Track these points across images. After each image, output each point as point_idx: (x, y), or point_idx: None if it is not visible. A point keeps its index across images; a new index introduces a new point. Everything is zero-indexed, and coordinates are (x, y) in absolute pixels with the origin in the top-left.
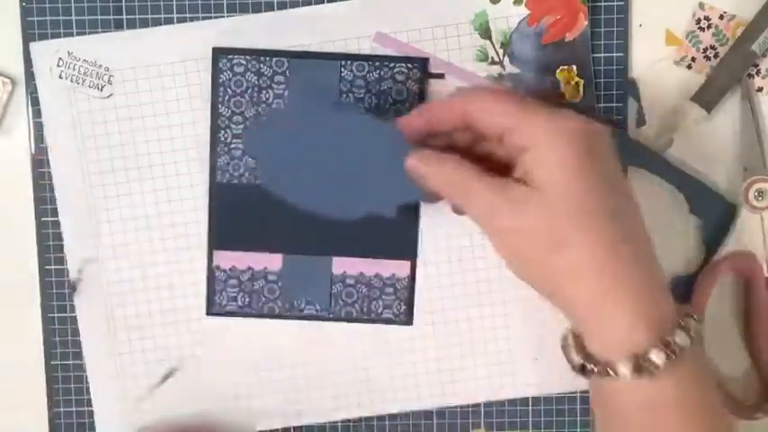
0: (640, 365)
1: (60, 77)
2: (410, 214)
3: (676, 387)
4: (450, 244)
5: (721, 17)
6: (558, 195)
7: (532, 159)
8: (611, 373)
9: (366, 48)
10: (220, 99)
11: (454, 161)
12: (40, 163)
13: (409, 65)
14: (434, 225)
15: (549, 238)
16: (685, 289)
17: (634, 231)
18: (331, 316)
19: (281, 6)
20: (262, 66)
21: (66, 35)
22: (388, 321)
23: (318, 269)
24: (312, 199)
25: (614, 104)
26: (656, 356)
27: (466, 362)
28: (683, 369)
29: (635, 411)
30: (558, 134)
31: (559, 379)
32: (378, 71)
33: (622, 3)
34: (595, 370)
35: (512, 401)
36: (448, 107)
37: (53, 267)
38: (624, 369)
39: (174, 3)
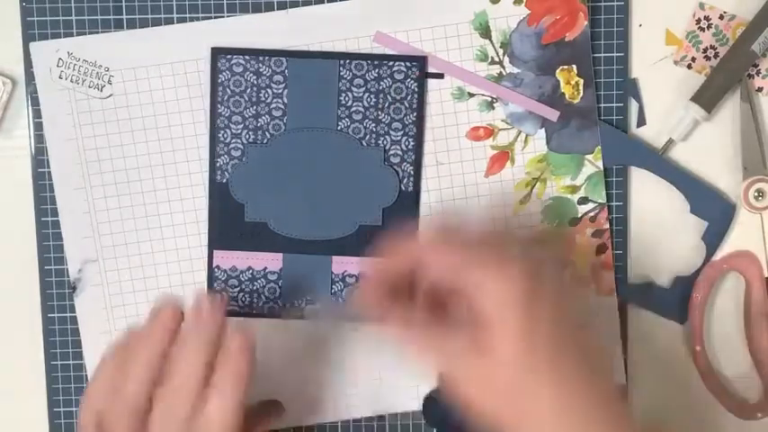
0: None
1: (60, 77)
2: (410, 214)
3: None
4: None
5: (721, 17)
6: (503, 353)
7: (479, 318)
8: None
9: (366, 47)
10: (220, 99)
11: (412, 327)
12: (40, 163)
13: (408, 64)
14: (434, 224)
15: (499, 388)
16: (685, 289)
17: (581, 364)
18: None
19: (281, 6)
20: (261, 65)
21: (66, 35)
22: None
23: (318, 268)
24: (304, 228)
25: (614, 104)
26: None
27: None
28: None
29: None
30: (497, 291)
31: None
32: (377, 70)
33: (622, 3)
34: None
35: None
36: (397, 263)
37: (53, 267)
38: None
39: (174, 3)
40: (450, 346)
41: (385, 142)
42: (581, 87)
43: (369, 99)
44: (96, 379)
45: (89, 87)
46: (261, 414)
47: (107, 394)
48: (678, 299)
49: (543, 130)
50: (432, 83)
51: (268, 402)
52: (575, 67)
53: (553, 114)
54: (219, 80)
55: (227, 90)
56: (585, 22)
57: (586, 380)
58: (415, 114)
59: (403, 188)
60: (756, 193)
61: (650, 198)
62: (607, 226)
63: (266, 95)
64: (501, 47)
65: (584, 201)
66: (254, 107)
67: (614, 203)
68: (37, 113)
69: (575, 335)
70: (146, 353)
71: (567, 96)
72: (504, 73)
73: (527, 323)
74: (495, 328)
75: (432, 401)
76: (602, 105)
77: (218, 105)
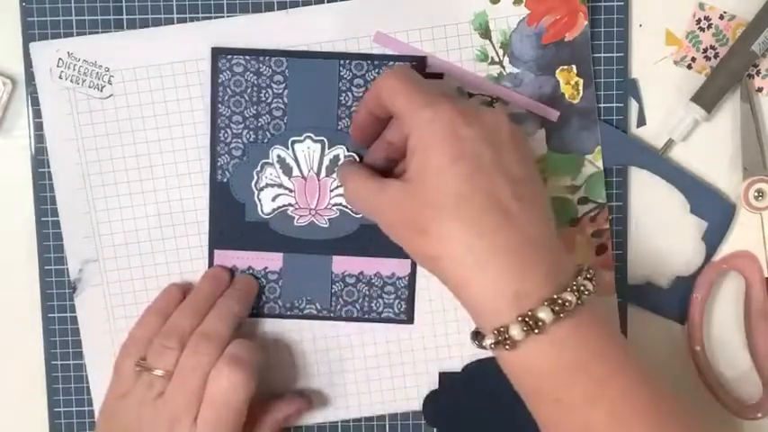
0: (500, 340)
1: (60, 77)
2: None
3: (539, 356)
4: None
5: (721, 17)
6: (420, 187)
7: (408, 150)
8: (484, 344)
9: (366, 47)
10: (220, 99)
11: (348, 172)
12: (40, 163)
13: (408, 64)
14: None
15: (415, 227)
16: (685, 289)
17: (509, 216)
18: (331, 315)
19: (281, 6)
20: (261, 65)
21: (66, 35)
22: (388, 320)
23: (319, 268)
24: (306, 229)
25: (614, 104)
26: (515, 331)
27: (466, 362)
28: (544, 340)
29: (516, 377)
30: (422, 125)
31: None
32: (376, 70)
33: (622, 3)
34: (481, 342)
35: None
36: (371, 93)
37: (53, 267)
38: (489, 341)
39: (174, 3)
40: (377, 182)
41: None
42: (581, 87)
43: None
44: (139, 327)
45: (89, 87)
46: (285, 401)
47: (148, 341)
48: (678, 299)
49: (543, 130)
50: None
51: (295, 395)
52: (574, 67)
53: (553, 114)
54: (220, 80)
55: (228, 90)
56: (585, 23)
57: (509, 225)
58: None
59: None
60: (756, 193)
61: (650, 198)
62: (607, 226)
63: (266, 95)
64: (501, 47)
65: (584, 201)
66: (255, 107)
67: (614, 203)
68: (37, 113)
69: (499, 178)
70: (194, 298)
71: (566, 96)
72: (504, 73)
73: (448, 151)
74: (416, 157)
75: (432, 401)
76: (602, 105)
77: (219, 105)
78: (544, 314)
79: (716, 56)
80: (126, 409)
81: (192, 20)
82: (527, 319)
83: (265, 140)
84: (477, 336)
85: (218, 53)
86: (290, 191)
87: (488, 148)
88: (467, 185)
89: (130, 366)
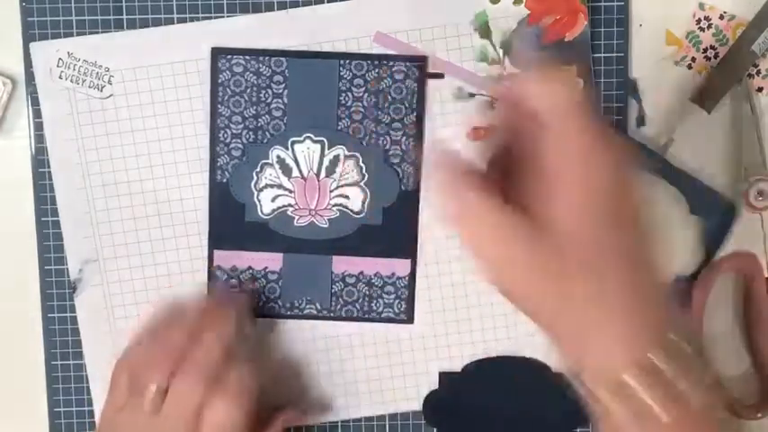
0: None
1: (60, 77)
2: (408, 213)
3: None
4: (451, 243)
5: (721, 17)
6: (565, 236)
7: (546, 175)
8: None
9: (366, 47)
10: (220, 99)
11: (467, 206)
12: (40, 163)
13: (408, 64)
14: (434, 224)
15: (546, 274)
16: (685, 289)
17: (634, 267)
18: (331, 315)
19: (281, 6)
20: (261, 65)
21: (66, 35)
22: (388, 320)
23: (319, 268)
24: (306, 230)
25: (614, 104)
26: (633, 380)
27: (466, 362)
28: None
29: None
30: (585, 174)
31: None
32: (376, 70)
33: (622, 3)
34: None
35: None
36: (514, 93)
37: (53, 267)
38: (604, 392)
39: (174, 3)
40: (503, 221)
41: (385, 142)
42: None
43: (369, 99)
44: (134, 342)
45: (89, 87)
46: (278, 415)
47: (142, 356)
48: (678, 299)
49: None
50: (432, 83)
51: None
52: (575, 67)
53: None
54: (220, 80)
55: (228, 90)
56: (585, 22)
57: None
58: (414, 114)
59: (403, 188)
60: (756, 193)
61: (650, 198)
62: None
63: (266, 95)
64: (501, 47)
65: None
66: (255, 107)
67: None
68: (37, 113)
69: (625, 224)
70: (188, 315)
71: None
72: (505, 73)
73: (598, 210)
74: (552, 191)
75: (432, 401)
76: (602, 105)
77: (219, 105)
78: (661, 362)
79: (716, 56)
80: (123, 421)
81: (192, 20)
82: (645, 370)
83: (265, 141)
84: (576, 378)
85: (217, 53)
86: (290, 191)
87: (624, 193)
88: (611, 238)
89: (125, 380)
